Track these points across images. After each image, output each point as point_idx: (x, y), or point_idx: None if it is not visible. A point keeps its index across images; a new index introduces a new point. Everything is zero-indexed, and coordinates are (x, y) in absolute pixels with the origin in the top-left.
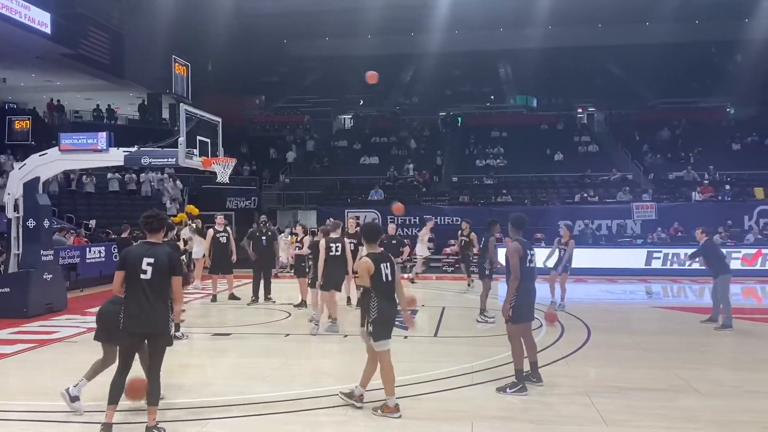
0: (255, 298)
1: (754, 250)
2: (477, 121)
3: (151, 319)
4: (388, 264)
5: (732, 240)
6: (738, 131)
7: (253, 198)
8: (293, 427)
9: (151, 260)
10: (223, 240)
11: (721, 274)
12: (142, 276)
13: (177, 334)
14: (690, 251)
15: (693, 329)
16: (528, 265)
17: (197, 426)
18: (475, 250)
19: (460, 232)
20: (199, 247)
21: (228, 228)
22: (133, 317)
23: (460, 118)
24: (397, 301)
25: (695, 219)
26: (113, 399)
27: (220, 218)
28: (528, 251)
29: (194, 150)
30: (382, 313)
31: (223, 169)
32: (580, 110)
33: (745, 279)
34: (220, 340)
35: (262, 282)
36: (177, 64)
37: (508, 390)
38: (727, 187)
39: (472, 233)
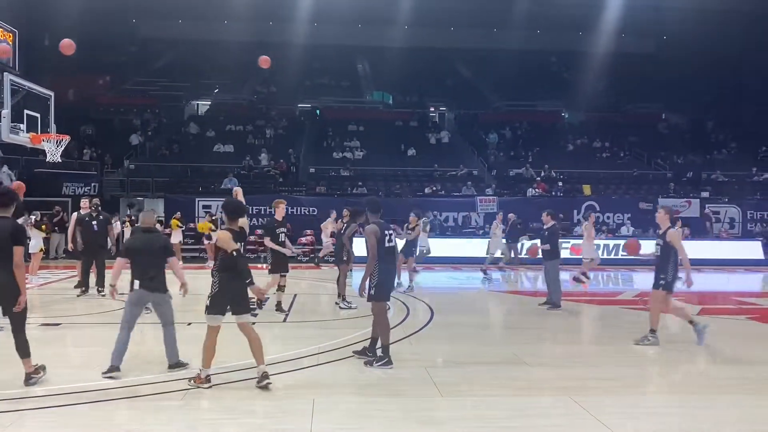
0: (85, 288)
1: (581, 241)
2: (335, 114)
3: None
4: (242, 243)
5: (563, 231)
6: (570, 134)
7: (93, 184)
8: (126, 412)
9: None
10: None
11: (554, 259)
12: None
13: None
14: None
15: (525, 310)
16: (387, 245)
17: (24, 417)
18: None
19: (406, 225)
20: (36, 240)
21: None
22: None
23: (318, 110)
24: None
25: (531, 212)
26: None
27: (85, 201)
28: (385, 232)
29: (21, 125)
30: (222, 289)
31: (54, 147)
32: (432, 109)
33: (573, 267)
34: (50, 330)
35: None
36: (1, 29)
37: (375, 364)
38: (560, 183)
39: (417, 227)
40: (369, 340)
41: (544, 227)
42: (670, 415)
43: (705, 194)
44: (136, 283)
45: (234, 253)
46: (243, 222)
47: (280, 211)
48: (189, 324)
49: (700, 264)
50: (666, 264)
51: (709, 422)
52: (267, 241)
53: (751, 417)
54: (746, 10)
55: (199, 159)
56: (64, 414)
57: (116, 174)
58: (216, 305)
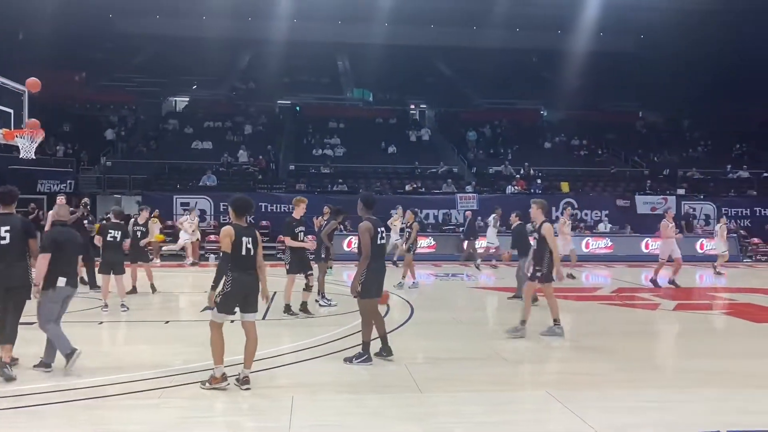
0: None
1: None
2: (315, 111)
3: (10, 276)
4: (251, 239)
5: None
6: (549, 132)
7: (69, 181)
8: (101, 412)
9: (8, 227)
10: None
11: (527, 256)
12: (2, 242)
13: None
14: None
15: (503, 306)
16: (378, 242)
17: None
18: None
19: (406, 223)
20: None
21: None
22: None
23: (298, 107)
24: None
25: (511, 209)
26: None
27: (61, 199)
28: (378, 229)
29: None
30: (235, 287)
31: (28, 143)
32: (412, 106)
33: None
34: (25, 330)
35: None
36: None
37: (354, 360)
38: (539, 181)
39: (415, 224)
40: (379, 339)
41: (512, 227)
42: (645, 409)
43: (681, 191)
44: (62, 280)
45: (221, 253)
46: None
47: (299, 210)
48: (167, 322)
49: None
50: (542, 257)
51: (682, 415)
52: (288, 241)
53: (723, 410)
54: (721, 10)
55: (177, 156)
56: (37, 414)
57: (93, 171)
58: (227, 304)
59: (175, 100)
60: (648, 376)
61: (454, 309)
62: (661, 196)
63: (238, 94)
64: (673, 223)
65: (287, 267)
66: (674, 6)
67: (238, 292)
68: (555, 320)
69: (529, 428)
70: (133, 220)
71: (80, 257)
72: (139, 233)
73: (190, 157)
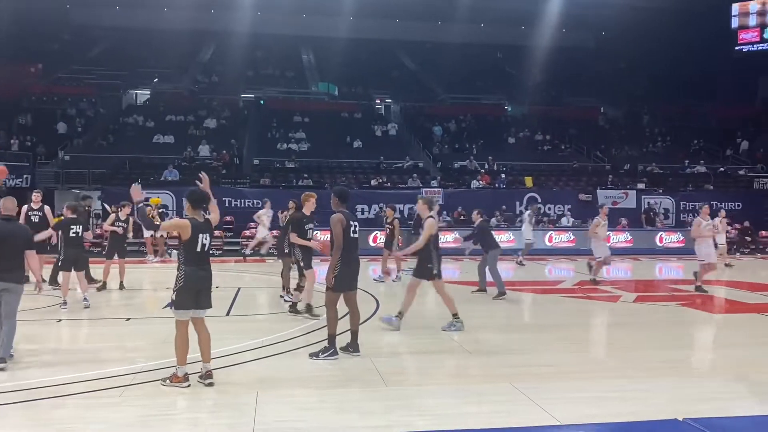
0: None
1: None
2: (279, 104)
3: None
4: (208, 235)
5: (506, 222)
6: (513, 127)
7: (25, 176)
8: (61, 411)
9: None
10: (36, 219)
11: (491, 250)
12: None
13: None
14: (466, 233)
15: (467, 299)
16: (351, 235)
17: None
18: (400, 240)
19: (384, 219)
20: None
21: (45, 207)
22: None
23: (262, 101)
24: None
25: (475, 204)
26: None
27: (36, 195)
28: (351, 222)
29: None
30: (188, 282)
31: None
32: (378, 101)
33: (515, 257)
34: None
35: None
36: None
37: (321, 355)
38: (503, 176)
39: (396, 220)
40: (347, 333)
41: (474, 225)
42: (606, 399)
43: (641, 186)
44: None
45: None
46: (214, 218)
47: (309, 206)
48: (128, 319)
49: (638, 253)
50: (429, 254)
51: (641, 404)
52: (293, 237)
53: (680, 398)
54: (679, 9)
55: (138, 150)
56: None
57: (50, 165)
58: (183, 300)
59: (136, 93)
60: (608, 367)
61: (419, 303)
62: (622, 191)
63: (201, 88)
64: (709, 220)
65: (302, 264)
66: (632, 3)
67: (191, 287)
68: (455, 315)
69: (494, 421)
70: (113, 215)
71: (31, 252)
72: (121, 229)
73: (151, 152)
